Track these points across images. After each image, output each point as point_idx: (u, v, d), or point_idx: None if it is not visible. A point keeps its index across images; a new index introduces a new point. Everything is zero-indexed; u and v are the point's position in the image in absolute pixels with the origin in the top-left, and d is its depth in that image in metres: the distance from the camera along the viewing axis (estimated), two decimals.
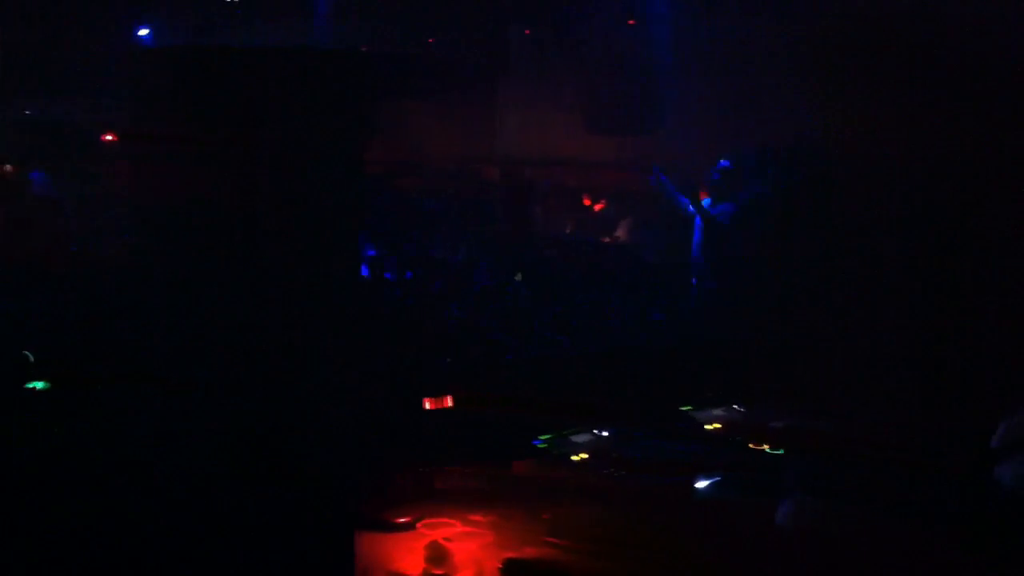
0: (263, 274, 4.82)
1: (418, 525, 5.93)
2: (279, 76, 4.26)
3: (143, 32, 12.21)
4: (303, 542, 5.11)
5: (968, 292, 9.04)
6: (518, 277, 10.38)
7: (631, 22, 13.51)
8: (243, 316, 4.94)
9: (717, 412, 6.69)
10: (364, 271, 9.83)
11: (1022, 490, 5.76)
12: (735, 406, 6.76)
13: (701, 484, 5.85)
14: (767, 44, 12.19)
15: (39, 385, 5.54)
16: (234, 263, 4.81)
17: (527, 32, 13.77)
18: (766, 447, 6.16)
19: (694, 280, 10.81)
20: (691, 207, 10.79)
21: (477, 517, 6.04)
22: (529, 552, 5.75)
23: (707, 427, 6.59)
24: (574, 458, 6.19)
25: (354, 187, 4.83)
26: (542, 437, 6.28)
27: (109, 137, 11.01)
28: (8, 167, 9.86)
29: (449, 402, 6.43)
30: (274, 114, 4.30)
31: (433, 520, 5.96)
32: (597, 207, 14.96)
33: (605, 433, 6.42)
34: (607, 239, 15.11)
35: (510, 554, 5.73)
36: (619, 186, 15.14)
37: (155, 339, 5.18)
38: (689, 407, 6.85)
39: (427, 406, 6.41)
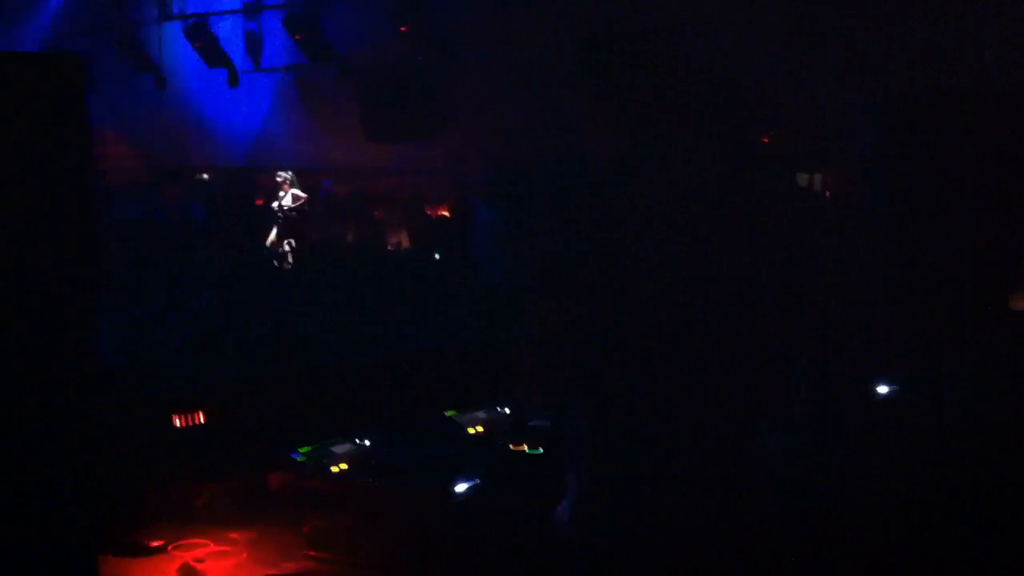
0: None
1: (169, 547, 5.72)
2: None
3: None
4: (43, 570, 4.80)
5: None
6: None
7: (403, 28, 13.43)
8: None
9: (479, 414, 6.69)
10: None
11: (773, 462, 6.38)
12: (498, 408, 6.78)
13: (460, 487, 5.83)
14: (544, 54, 12.37)
15: None
16: None
17: (297, 38, 13.51)
18: (525, 447, 6.20)
19: (478, 279, 10.84)
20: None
21: (233, 535, 5.87)
22: (287, 567, 5.63)
23: (470, 430, 6.59)
24: (333, 468, 6.07)
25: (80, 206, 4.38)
26: (301, 449, 6.13)
27: None
28: None
29: (201, 418, 6.20)
30: None
31: (185, 541, 5.76)
32: (376, 213, 14.85)
33: (367, 442, 6.32)
34: (390, 245, 15.02)
35: (267, 570, 5.58)
36: (398, 192, 15.08)
37: None
38: (453, 411, 6.83)
39: (177, 423, 6.17)
